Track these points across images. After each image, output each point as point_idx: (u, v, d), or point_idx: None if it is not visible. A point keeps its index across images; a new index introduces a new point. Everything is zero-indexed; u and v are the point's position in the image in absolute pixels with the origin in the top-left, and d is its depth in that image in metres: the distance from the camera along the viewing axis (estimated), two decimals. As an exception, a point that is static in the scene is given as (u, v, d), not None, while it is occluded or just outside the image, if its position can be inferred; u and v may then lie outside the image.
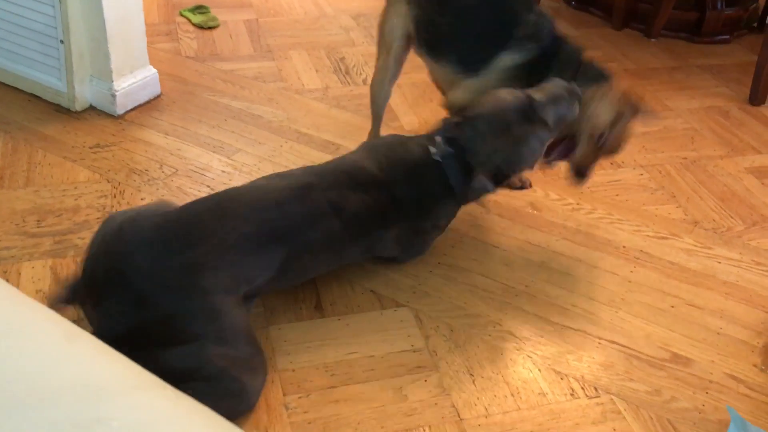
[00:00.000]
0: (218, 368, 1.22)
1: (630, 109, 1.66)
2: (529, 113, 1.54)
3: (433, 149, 1.57)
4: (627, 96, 1.67)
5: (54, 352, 0.55)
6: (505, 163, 1.56)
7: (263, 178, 1.53)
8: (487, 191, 1.58)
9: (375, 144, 1.74)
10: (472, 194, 1.60)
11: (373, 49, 2.70)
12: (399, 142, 1.66)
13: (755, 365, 1.53)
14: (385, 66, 1.93)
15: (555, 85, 1.58)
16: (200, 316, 1.23)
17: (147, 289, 1.22)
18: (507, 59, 1.68)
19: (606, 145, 1.67)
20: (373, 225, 1.51)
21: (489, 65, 1.68)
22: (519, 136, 1.55)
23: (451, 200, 1.62)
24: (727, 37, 2.98)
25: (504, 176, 1.59)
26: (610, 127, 1.64)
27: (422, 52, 1.85)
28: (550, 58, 1.66)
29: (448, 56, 1.76)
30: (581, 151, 1.68)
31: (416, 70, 2.59)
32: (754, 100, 2.54)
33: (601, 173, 2.09)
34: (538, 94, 1.57)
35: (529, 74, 1.65)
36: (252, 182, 1.51)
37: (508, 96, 1.57)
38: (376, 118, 2.03)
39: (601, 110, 1.64)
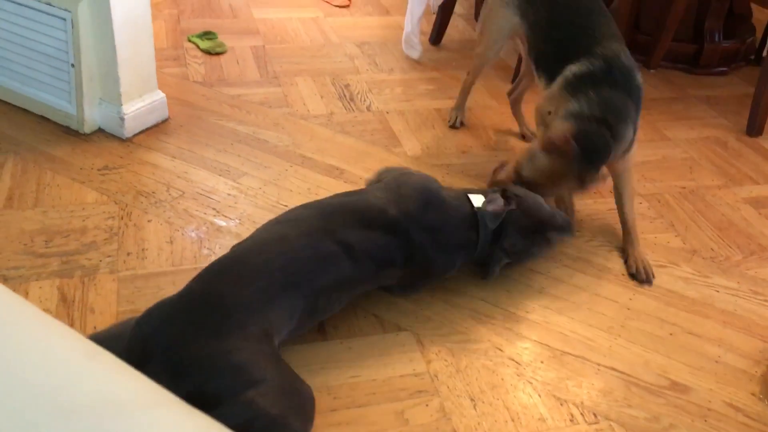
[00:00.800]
0: (274, 415, 1.21)
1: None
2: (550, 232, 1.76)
3: (479, 201, 1.67)
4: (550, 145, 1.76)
5: (75, 369, 0.57)
6: (520, 254, 1.74)
7: (265, 227, 1.54)
8: (500, 263, 1.72)
9: (399, 183, 1.69)
10: (491, 259, 1.71)
11: (378, 76, 2.76)
12: (424, 185, 1.67)
13: (753, 394, 1.54)
14: (485, 54, 2.30)
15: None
16: (231, 377, 1.21)
17: (176, 365, 1.21)
18: (569, 70, 1.81)
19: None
20: (386, 266, 1.54)
21: (559, 76, 1.84)
22: (541, 243, 1.76)
23: (467, 256, 1.68)
24: (725, 69, 3.03)
25: (509, 259, 1.74)
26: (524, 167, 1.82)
27: (530, 60, 2.06)
28: (606, 72, 1.78)
29: (541, 71, 1.96)
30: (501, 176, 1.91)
31: (419, 97, 2.64)
32: (752, 131, 2.58)
33: (601, 201, 2.12)
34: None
35: (586, 84, 1.77)
36: (257, 233, 1.52)
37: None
38: (464, 92, 2.46)
39: None
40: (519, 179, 1.80)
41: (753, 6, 3.18)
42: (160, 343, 1.23)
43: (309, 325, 1.50)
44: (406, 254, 1.55)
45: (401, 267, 1.56)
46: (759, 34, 3.11)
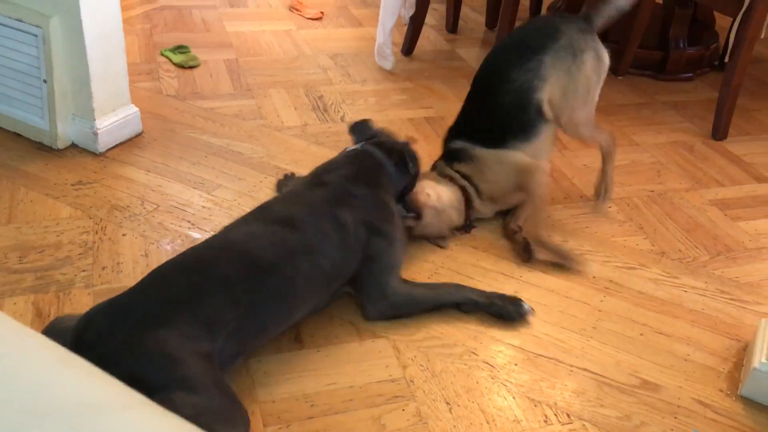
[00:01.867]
0: (187, 416, 1.21)
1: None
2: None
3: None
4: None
5: (48, 374, 0.58)
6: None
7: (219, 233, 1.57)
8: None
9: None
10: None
11: (351, 87, 2.79)
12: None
13: (721, 390, 1.58)
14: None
15: None
16: (160, 367, 1.22)
17: (106, 353, 1.22)
18: None
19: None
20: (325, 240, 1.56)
21: None
22: None
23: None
24: (691, 74, 3.11)
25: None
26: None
27: None
28: None
29: None
30: None
31: (392, 107, 2.67)
32: (717, 135, 2.64)
33: (572, 206, 2.17)
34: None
35: None
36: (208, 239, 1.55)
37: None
38: None
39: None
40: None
41: (715, 13, 3.26)
42: (94, 332, 1.26)
43: (270, 329, 1.47)
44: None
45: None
46: (722, 41, 3.19)
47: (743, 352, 1.68)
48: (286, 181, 2.11)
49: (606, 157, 2.13)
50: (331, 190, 1.64)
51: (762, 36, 2.53)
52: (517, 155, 1.96)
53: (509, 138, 1.97)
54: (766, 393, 1.54)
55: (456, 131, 2.06)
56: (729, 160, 2.52)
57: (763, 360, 1.53)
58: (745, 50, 2.52)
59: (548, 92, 1.94)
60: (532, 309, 1.72)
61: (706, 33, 3.22)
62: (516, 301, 1.71)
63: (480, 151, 1.98)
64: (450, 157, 2.03)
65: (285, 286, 1.45)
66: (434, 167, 2.06)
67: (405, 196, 1.84)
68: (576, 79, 1.95)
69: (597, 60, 1.96)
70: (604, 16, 2.04)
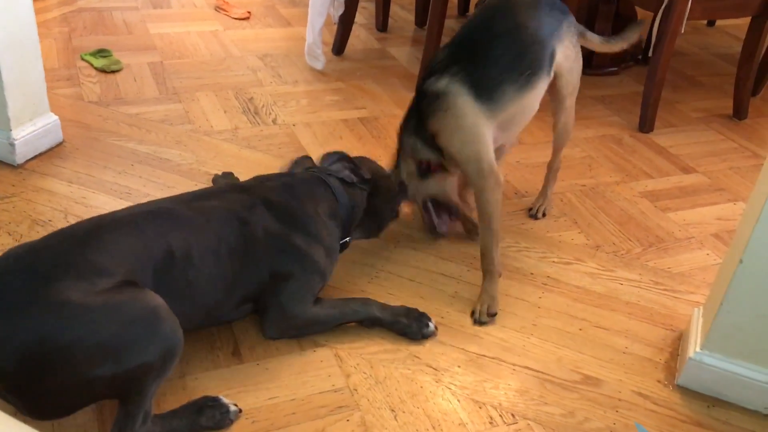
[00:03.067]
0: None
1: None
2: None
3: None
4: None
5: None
6: None
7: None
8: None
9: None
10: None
11: (282, 88, 2.74)
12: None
13: (659, 381, 1.61)
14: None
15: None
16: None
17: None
18: None
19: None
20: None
21: None
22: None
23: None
24: (616, 69, 3.18)
25: None
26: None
27: None
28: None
29: None
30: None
31: (325, 108, 2.63)
32: (644, 127, 2.71)
33: (506, 203, 2.18)
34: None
35: None
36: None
37: None
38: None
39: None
40: None
41: (637, 9, 3.34)
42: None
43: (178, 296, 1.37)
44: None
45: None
46: (644, 35, 3.27)
47: (678, 341, 1.72)
48: (219, 179, 2.05)
49: (555, 175, 2.13)
50: (249, 195, 1.56)
51: (682, 31, 2.60)
52: (486, 146, 1.72)
53: (506, 81, 1.72)
54: (702, 382, 1.57)
55: (439, 66, 1.74)
56: (656, 152, 2.58)
57: (698, 349, 1.57)
58: (667, 44, 2.59)
59: (560, 55, 1.84)
60: (437, 329, 1.65)
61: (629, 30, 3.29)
62: (422, 320, 1.64)
63: (461, 103, 1.69)
64: (422, 103, 1.75)
65: (162, 268, 1.36)
66: (402, 142, 1.85)
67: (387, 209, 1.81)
68: (578, 56, 1.92)
69: (579, 50, 1.94)
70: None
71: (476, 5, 3.49)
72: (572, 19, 1.91)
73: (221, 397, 1.40)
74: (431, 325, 1.64)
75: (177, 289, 1.36)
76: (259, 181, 1.67)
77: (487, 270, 1.76)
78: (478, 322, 1.71)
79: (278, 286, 1.54)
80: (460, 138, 1.72)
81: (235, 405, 1.41)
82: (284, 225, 1.55)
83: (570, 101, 1.97)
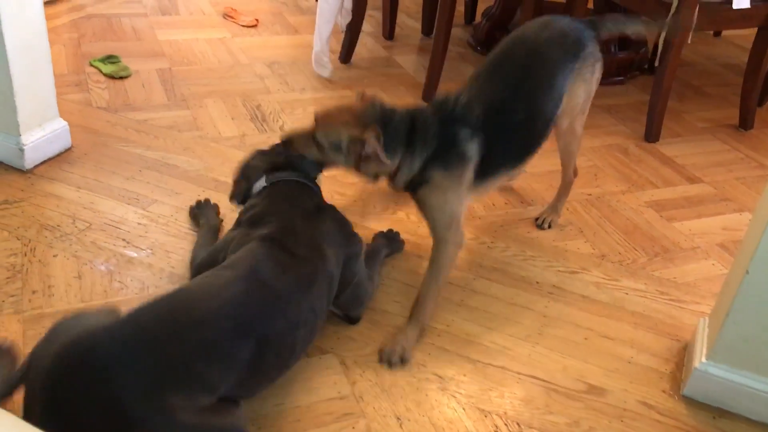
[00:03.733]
0: None
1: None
2: None
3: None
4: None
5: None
6: None
7: (210, 272, 1.41)
8: None
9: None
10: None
11: (289, 96, 2.75)
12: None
13: (664, 391, 1.61)
14: None
15: None
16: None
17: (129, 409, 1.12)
18: None
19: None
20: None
21: None
22: None
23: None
24: (622, 78, 3.18)
25: None
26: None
27: None
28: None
29: None
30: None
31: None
32: (650, 137, 2.71)
33: (513, 212, 2.18)
34: None
35: None
36: (200, 278, 1.40)
37: None
38: None
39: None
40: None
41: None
42: (116, 382, 1.12)
43: (272, 374, 1.39)
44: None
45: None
46: (651, 45, 3.28)
47: (684, 352, 1.72)
48: (198, 210, 1.98)
49: (567, 190, 2.12)
50: (300, 239, 1.49)
51: (689, 41, 2.60)
52: (463, 206, 1.70)
53: (508, 162, 1.78)
54: (708, 392, 1.57)
55: (465, 111, 1.66)
56: (662, 161, 2.58)
57: (703, 359, 1.57)
58: (673, 55, 2.59)
59: (566, 99, 1.83)
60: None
61: (634, 38, 3.30)
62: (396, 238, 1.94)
63: (463, 174, 1.65)
64: (430, 138, 1.64)
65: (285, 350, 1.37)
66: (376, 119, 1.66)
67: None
68: (590, 87, 1.90)
69: (600, 70, 1.92)
70: (611, 30, 1.95)
71: (482, 15, 3.50)
72: (589, 49, 1.85)
73: None
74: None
75: (275, 364, 1.37)
76: (277, 212, 1.56)
77: (417, 318, 1.65)
78: (387, 362, 1.59)
79: (349, 276, 1.59)
80: (445, 199, 1.66)
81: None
82: (338, 243, 1.56)
83: (570, 127, 1.94)
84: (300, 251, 1.45)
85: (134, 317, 1.23)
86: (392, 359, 1.59)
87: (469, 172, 1.65)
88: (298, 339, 1.38)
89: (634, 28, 2.02)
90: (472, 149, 1.64)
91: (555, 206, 2.14)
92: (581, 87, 1.87)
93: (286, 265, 1.41)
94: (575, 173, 2.11)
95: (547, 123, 1.80)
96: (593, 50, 1.87)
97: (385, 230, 1.98)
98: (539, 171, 2.37)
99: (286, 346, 1.36)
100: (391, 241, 1.95)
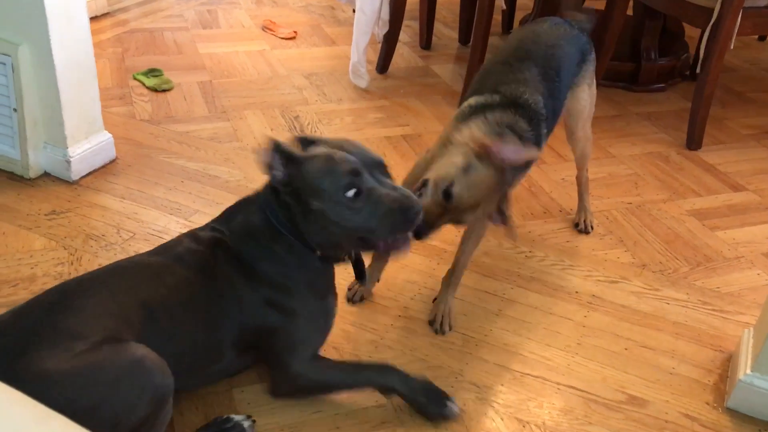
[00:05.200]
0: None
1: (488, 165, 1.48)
2: None
3: None
4: (483, 150, 1.47)
5: (25, 435, 0.56)
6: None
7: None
8: None
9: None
10: None
11: (327, 106, 2.78)
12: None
13: (708, 403, 1.58)
14: None
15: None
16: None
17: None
18: (465, 103, 1.70)
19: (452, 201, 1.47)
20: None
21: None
22: None
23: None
24: (663, 85, 3.14)
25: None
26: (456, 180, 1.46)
27: None
28: (504, 103, 1.63)
29: None
30: (423, 201, 1.45)
31: (369, 126, 2.66)
32: (691, 144, 2.67)
33: (551, 221, 2.17)
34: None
35: (481, 111, 1.63)
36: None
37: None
38: None
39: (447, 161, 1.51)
40: (446, 199, 1.47)
41: (684, 24, 3.31)
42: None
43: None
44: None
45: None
46: (692, 51, 3.24)
47: (727, 363, 1.68)
48: None
49: (585, 187, 2.13)
50: (206, 245, 1.43)
51: (732, 46, 2.56)
52: None
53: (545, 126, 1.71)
54: (752, 405, 1.54)
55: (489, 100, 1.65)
56: (704, 169, 2.54)
57: (748, 371, 1.54)
58: (716, 61, 2.55)
59: (567, 105, 1.87)
60: (462, 410, 1.49)
61: (676, 44, 3.26)
62: (441, 401, 1.47)
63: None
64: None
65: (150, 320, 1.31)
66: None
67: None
68: (593, 91, 1.93)
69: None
70: (587, 28, 1.96)
71: (520, 23, 3.49)
72: (593, 56, 1.90)
73: (233, 415, 1.40)
74: (452, 406, 1.46)
75: (160, 343, 1.27)
76: (210, 227, 1.50)
77: (454, 283, 1.74)
78: (440, 331, 1.70)
79: (271, 340, 1.42)
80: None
81: (249, 417, 1.41)
82: (244, 277, 1.41)
83: (581, 133, 1.98)
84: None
85: (27, 301, 1.28)
86: (444, 328, 1.71)
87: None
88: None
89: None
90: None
91: (583, 206, 2.14)
92: (585, 90, 1.91)
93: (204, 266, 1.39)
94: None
95: (557, 116, 1.82)
96: (594, 57, 1.93)
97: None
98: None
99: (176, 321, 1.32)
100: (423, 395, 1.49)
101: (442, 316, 1.72)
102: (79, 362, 1.14)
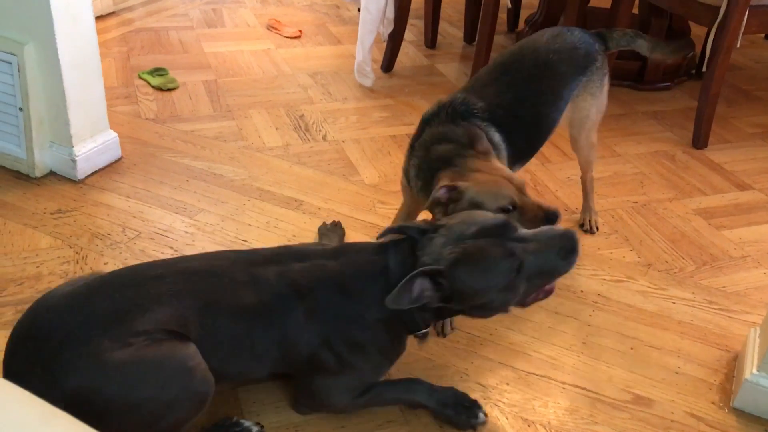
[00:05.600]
0: None
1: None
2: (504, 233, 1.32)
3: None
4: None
5: (31, 433, 0.56)
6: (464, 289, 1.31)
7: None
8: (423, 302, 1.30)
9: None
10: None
11: (332, 106, 2.78)
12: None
13: (713, 402, 1.57)
14: None
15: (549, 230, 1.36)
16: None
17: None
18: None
19: None
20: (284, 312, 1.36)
21: None
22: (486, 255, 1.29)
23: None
24: (669, 84, 3.13)
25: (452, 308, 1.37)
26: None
27: None
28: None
29: None
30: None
31: (374, 125, 2.66)
32: (697, 143, 2.66)
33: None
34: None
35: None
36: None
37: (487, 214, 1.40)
38: None
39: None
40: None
41: (690, 23, 3.29)
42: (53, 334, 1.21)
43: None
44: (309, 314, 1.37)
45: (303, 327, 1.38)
46: (698, 50, 3.22)
47: (734, 362, 1.68)
48: (327, 229, 1.98)
49: (590, 186, 2.12)
50: (304, 277, 1.37)
51: (738, 45, 2.55)
52: None
53: (533, 150, 1.84)
54: (759, 404, 1.53)
55: (492, 110, 1.68)
56: (710, 168, 2.53)
57: (754, 371, 1.53)
58: (722, 59, 2.54)
59: (568, 113, 1.88)
60: (486, 416, 1.47)
61: (682, 42, 3.25)
62: (471, 410, 1.46)
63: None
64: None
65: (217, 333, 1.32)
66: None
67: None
68: (599, 100, 1.93)
69: (607, 84, 1.95)
70: (620, 45, 1.97)
71: (525, 21, 3.49)
72: (599, 62, 1.89)
73: (242, 420, 1.40)
74: (481, 416, 1.46)
75: (202, 349, 1.28)
76: (330, 256, 1.42)
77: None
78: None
79: (314, 374, 1.40)
80: None
81: (258, 424, 1.41)
82: (328, 327, 1.37)
83: (584, 141, 1.98)
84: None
85: (90, 281, 1.31)
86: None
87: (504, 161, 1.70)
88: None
89: (640, 46, 2.02)
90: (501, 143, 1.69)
91: (588, 206, 2.14)
92: (588, 100, 1.90)
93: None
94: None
95: (549, 130, 1.84)
96: (602, 65, 1.91)
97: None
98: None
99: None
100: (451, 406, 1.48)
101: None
102: (136, 358, 1.18)
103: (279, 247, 1.47)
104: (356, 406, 1.46)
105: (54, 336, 1.20)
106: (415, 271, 1.27)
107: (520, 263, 1.28)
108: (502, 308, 1.34)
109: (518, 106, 1.74)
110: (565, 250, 1.32)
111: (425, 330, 1.40)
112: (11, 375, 1.22)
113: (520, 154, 1.78)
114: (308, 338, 1.36)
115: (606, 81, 1.94)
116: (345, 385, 1.42)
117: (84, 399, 1.16)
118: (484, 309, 1.34)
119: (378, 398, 1.47)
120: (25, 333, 1.25)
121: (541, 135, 1.83)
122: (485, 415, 1.47)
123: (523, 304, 1.38)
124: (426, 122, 1.69)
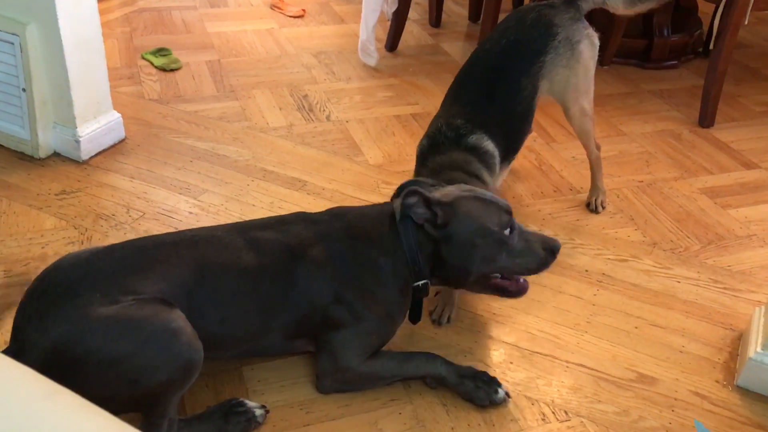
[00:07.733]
0: None
1: None
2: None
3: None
4: None
5: (33, 410, 0.57)
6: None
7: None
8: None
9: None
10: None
11: (335, 85, 2.77)
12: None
13: (717, 381, 1.58)
14: None
15: None
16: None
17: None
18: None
19: None
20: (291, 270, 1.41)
21: None
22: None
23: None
24: (675, 62, 3.10)
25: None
26: None
27: None
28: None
29: None
30: None
31: (378, 105, 2.65)
32: (704, 122, 2.64)
33: (562, 199, 2.16)
34: None
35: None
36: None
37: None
38: None
39: None
40: None
41: (698, 0, 3.26)
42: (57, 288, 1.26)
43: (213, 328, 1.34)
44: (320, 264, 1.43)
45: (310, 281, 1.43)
46: (705, 27, 3.19)
47: (738, 341, 1.68)
48: None
49: (597, 164, 2.09)
50: (311, 232, 1.44)
51: (746, 22, 2.52)
52: None
53: (511, 154, 1.84)
54: (763, 383, 1.53)
55: (473, 122, 1.73)
56: (717, 147, 2.51)
57: (759, 349, 1.53)
58: (729, 37, 2.51)
59: (546, 91, 1.87)
60: (508, 395, 1.48)
61: (689, 20, 3.22)
62: (491, 385, 1.47)
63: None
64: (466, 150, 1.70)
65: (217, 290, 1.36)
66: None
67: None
68: (576, 70, 1.88)
69: (591, 46, 1.90)
70: (596, 4, 1.95)
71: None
72: (561, 35, 1.85)
73: (247, 401, 1.40)
74: (501, 392, 1.46)
75: (204, 312, 1.32)
76: (331, 215, 1.51)
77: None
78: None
79: (329, 333, 1.44)
80: None
81: (262, 407, 1.41)
82: (338, 275, 1.42)
83: (575, 108, 1.95)
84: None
85: (101, 248, 1.38)
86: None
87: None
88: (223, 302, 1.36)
89: (614, 3, 1.99)
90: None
91: (596, 185, 2.12)
92: (561, 73, 1.87)
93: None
94: (598, 147, 2.08)
95: (522, 120, 1.84)
96: (569, 34, 1.86)
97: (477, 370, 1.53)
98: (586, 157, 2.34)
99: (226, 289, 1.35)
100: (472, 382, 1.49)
101: (443, 308, 1.69)
102: (118, 313, 1.20)
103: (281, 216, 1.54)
104: (375, 373, 1.47)
105: (54, 290, 1.25)
106: (411, 189, 1.40)
107: (512, 225, 1.42)
108: (487, 260, 1.42)
109: (491, 107, 1.78)
110: (550, 248, 1.45)
111: (425, 281, 1.45)
112: (16, 328, 1.27)
113: (506, 152, 1.78)
114: (319, 287, 1.40)
115: (581, 47, 1.87)
116: (359, 341, 1.45)
117: (65, 348, 1.19)
118: (473, 253, 1.41)
119: (397, 368, 1.49)
120: (32, 289, 1.30)
121: (522, 127, 1.85)
122: (507, 394, 1.48)
123: (490, 285, 1.48)
124: (423, 157, 1.74)
